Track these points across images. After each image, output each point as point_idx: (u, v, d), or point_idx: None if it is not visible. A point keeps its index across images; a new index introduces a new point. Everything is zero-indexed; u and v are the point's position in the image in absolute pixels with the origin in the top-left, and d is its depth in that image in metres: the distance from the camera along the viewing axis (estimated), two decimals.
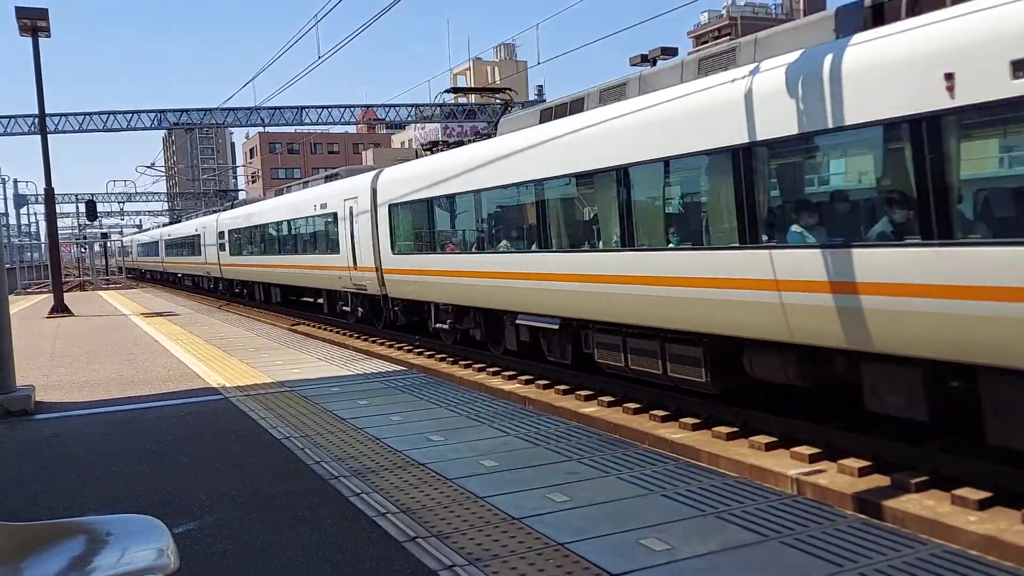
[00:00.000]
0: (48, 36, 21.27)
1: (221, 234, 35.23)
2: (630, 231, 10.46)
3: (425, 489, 5.44)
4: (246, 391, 9.50)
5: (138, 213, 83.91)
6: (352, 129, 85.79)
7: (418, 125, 67.39)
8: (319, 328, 23.44)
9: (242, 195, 75.18)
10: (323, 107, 38.87)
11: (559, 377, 13.13)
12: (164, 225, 63.02)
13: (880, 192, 7.73)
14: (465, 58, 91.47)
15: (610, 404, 11.57)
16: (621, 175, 10.47)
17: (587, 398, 12.06)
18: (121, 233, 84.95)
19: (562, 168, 11.80)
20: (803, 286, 7.88)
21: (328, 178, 24.06)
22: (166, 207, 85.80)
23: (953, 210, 6.68)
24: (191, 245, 42.68)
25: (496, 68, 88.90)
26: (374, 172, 19.20)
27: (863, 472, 7.90)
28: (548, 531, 4.54)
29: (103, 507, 5.23)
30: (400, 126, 76.47)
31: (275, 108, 38.04)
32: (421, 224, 16.87)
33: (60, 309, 22.61)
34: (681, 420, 10.26)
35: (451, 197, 15.42)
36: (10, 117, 34.74)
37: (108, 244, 69.57)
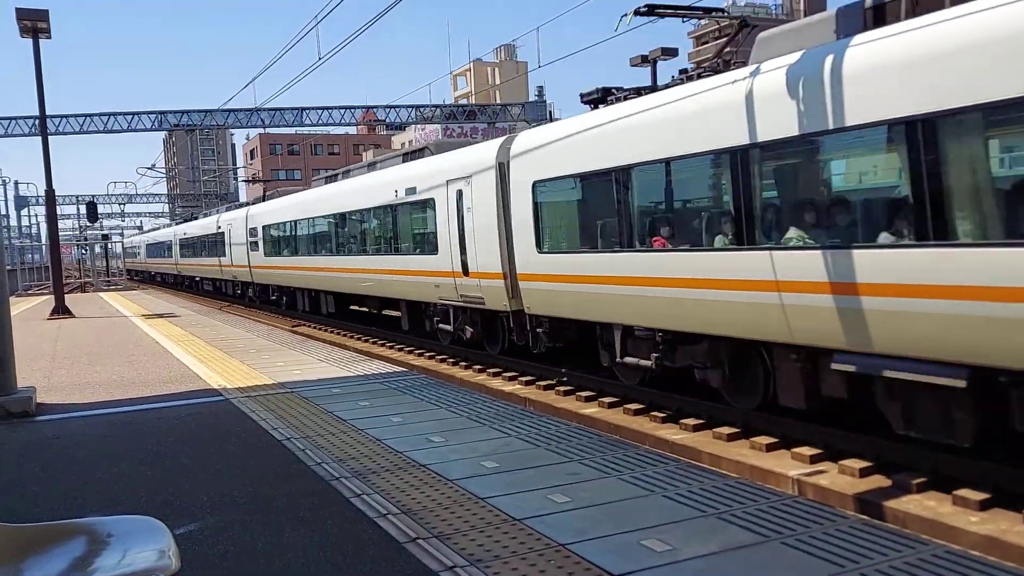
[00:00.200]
0: (48, 37, 21.28)
1: (253, 231, 29.37)
2: None
3: (426, 490, 5.44)
4: (247, 392, 9.50)
5: (139, 214, 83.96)
6: (353, 130, 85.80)
7: (418, 126, 67.41)
8: (320, 330, 23.44)
9: (242, 196, 75.08)
10: (324, 108, 38.93)
11: (560, 379, 13.13)
12: (178, 222, 55.20)
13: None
14: (466, 59, 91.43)
15: (611, 405, 11.57)
16: None
17: (588, 399, 12.06)
18: (122, 234, 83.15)
19: None
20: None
21: (408, 156, 18.59)
22: (167, 208, 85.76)
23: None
24: (212, 244, 36.59)
25: (496, 69, 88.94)
26: (498, 142, 13.74)
27: (864, 473, 7.89)
28: (549, 532, 4.54)
29: (104, 508, 5.23)
30: (401, 127, 76.48)
31: (276, 109, 38.11)
32: (598, 208, 11.41)
33: (61, 311, 22.62)
34: (682, 421, 10.26)
35: (685, 161, 9.73)
36: (11, 118, 34.80)
37: (109, 245, 69.55)
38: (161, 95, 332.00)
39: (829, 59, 7.70)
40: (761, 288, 8.51)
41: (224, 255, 33.81)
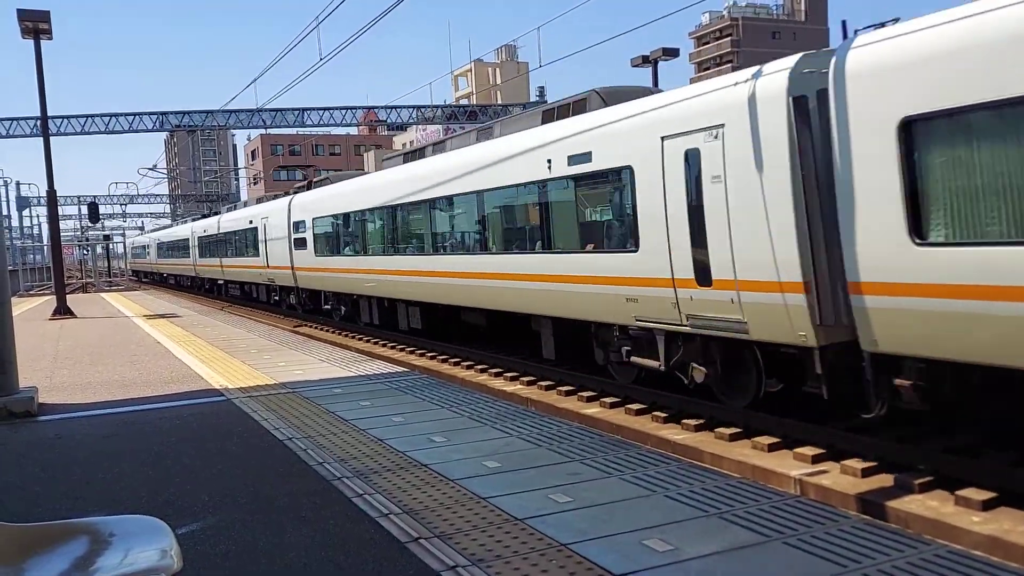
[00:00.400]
0: (50, 38, 21.33)
1: (299, 225, 23.95)
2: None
3: (428, 490, 5.43)
4: (248, 392, 9.51)
5: (140, 215, 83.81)
6: (354, 130, 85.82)
7: (419, 127, 67.42)
8: (321, 330, 23.44)
9: (243, 197, 74.99)
10: (325, 109, 38.92)
11: (562, 378, 13.12)
12: (195, 218, 48.20)
13: None
14: (467, 59, 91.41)
15: (612, 405, 11.56)
16: None
17: (589, 399, 12.05)
18: (124, 234, 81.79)
19: None
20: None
21: (552, 115, 12.90)
22: (168, 209, 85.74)
23: None
24: (242, 243, 31.22)
25: (497, 70, 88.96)
26: (783, 63, 8.46)
27: (866, 473, 7.88)
28: (551, 532, 4.54)
29: (106, 508, 5.23)
30: (402, 127, 76.48)
31: (277, 110, 38.10)
32: None
33: (63, 311, 22.65)
34: (684, 421, 10.25)
35: None
36: (12, 119, 34.82)
37: (111, 246, 69.41)
38: (162, 96, 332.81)
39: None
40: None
41: (258, 254, 28.17)
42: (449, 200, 15.63)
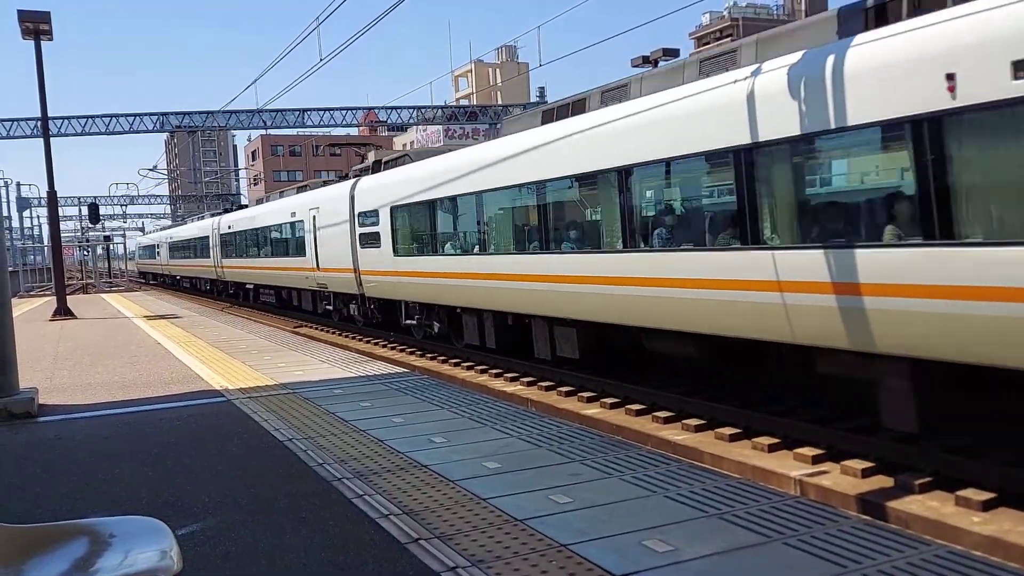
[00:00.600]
0: (50, 39, 21.34)
1: (365, 216, 18.75)
2: None
3: (428, 491, 5.43)
4: (248, 393, 9.51)
5: (140, 216, 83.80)
6: (354, 131, 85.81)
7: (420, 127, 67.42)
8: (321, 331, 23.44)
9: (243, 198, 74.91)
10: (325, 109, 38.97)
11: (561, 379, 13.12)
12: (216, 213, 42.30)
13: None
14: (467, 60, 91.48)
15: (613, 406, 11.57)
16: None
17: (590, 400, 12.05)
18: (124, 235, 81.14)
19: None
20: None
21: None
22: (168, 210, 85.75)
23: None
24: (281, 240, 26.28)
25: (498, 70, 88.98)
26: None
27: (866, 473, 7.88)
28: (551, 532, 4.54)
29: (106, 509, 5.23)
30: (402, 128, 76.52)
31: (277, 110, 38.16)
32: None
33: (63, 312, 22.66)
34: (684, 422, 10.24)
35: None
36: (13, 120, 34.87)
37: (111, 247, 69.24)
38: (163, 97, 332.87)
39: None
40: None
41: (303, 254, 23.30)
42: (665, 167, 10.36)
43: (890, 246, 7.37)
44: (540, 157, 12.38)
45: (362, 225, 19.00)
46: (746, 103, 8.58)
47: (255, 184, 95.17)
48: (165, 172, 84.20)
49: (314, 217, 22.34)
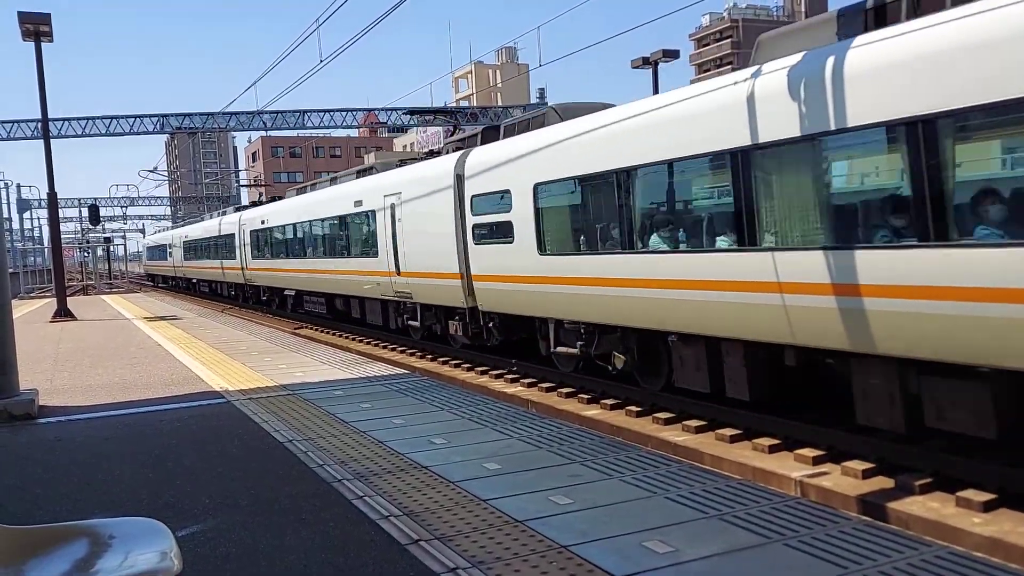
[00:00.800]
0: (51, 41, 21.35)
1: (484, 201, 14.02)
2: None
3: (428, 492, 5.43)
4: (249, 394, 9.51)
5: (140, 217, 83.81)
6: (354, 132, 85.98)
7: (420, 128, 67.46)
8: (322, 332, 23.44)
9: (244, 199, 74.79)
10: (325, 111, 38.99)
11: (562, 380, 13.12)
12: (243, 206, 36.48)
13: None
14: (467, 61, 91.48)
15: (613, 407, 11.56)
16: None
17: (590, 401, 12.05)
18: (124, 237, 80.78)
19: None
20: None
21: None
22: (169, 211, 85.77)
23: None
24: (339, 236, 21.41)
25: (498, 71, 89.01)
26: None
27: (867, 474, 7.88)
28: (551, 534, 4.54)
29: (106, 510, 5.23)
30: (402, 129, 76.56)
31: (277, 112, 38.20)
32: None
33: (63, 313, 22.66)
34: (684, 423, 10.24)
35: None
36: (13, 122, 34.89)
37: (112, 248, 69.09)
38: (163, 98, 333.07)
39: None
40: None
41: (373, 254, 18.33)
42: None
43: None
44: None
45: (478, 213, 13.90)
46: None
47: (255, 186, 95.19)
48: (165, 174, 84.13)
49: (392, 206, 17.16)
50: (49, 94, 22.03)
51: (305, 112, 38.79)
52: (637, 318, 10.59)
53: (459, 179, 14.44)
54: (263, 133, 76.12)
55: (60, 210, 25.09)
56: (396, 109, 40.05)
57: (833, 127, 7.61)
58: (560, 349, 12.65)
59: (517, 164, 12.91)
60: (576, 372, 12.80)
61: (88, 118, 36.35)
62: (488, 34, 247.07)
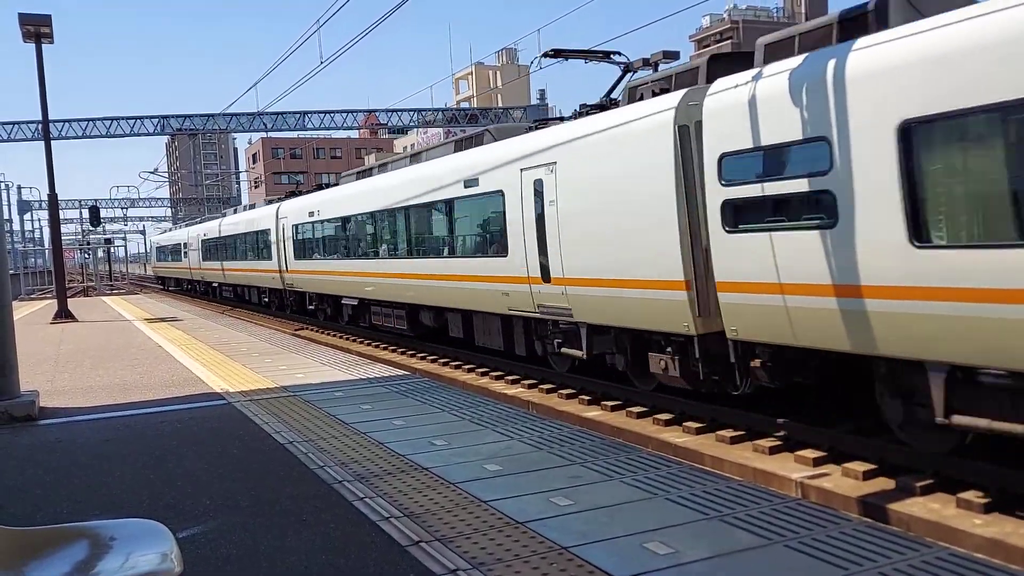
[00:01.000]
0: (51, 42, 21.37)
1: (740, 163, 8.84)
2: None
3: (429, 493, 5.43)
4: (249, 396, 9.51)
5: (141, 219, 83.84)
6: (354, 134, 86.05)
7: (420, 130, 67.49)
8: (322, 333, 23.44)
9: (244, 201, 74.79)
10: (326, 112, 39.01)
11: (562, 381, 13.12)
12: (279, 198, 30.03)
13: None
14: (467, 62, 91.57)
15: (613, 408, 11.56)
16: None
17: (590, 402, 12.05)
18: (125, 238, 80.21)
19: None
20: None
21: None
22: (169, 212, 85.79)
23: None
24: (434, 227, 16.50)
25: (498, 73, 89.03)
26: None
27: (868, 475, 7.88)
28: (552, 535, 4.54)
29: (107, 512, 5.23)
30: (402, 131, 76.59)
31: (278, 113, 38.22)
32: None
33: (64, 315, 22.67)
34: (685, 424, 10.24)
35: None
36: (14, 123, 34.91)
37: (112, 249, 69.10)
38: (163, 99, 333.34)
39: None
40: None
41: (500, 251, 13.44)
42: None
43: None
44: None
45: (735, 181, 8.91)
46: None
47: (256, 187, 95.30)
48: (166, 175, 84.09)
49: (537, 184, 12.10)
50: (49, 95, 22.07)
51: (306, 113, 38.81)
52: None
53: (684, 132, 9.57)
54: (264, 134, 76.17)
55: (61, 211, 25.10)
56: (397, 110, 40.08)
57: None
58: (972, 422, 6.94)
59: (813, 98, 7.91)
60: (570, 373, 12.73)
61: (89, 119, 36.38)
62: (488, 35, 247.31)
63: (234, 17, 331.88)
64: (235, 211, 37.20)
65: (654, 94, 10.49)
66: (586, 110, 12.25)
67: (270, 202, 30.78)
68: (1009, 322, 6.29)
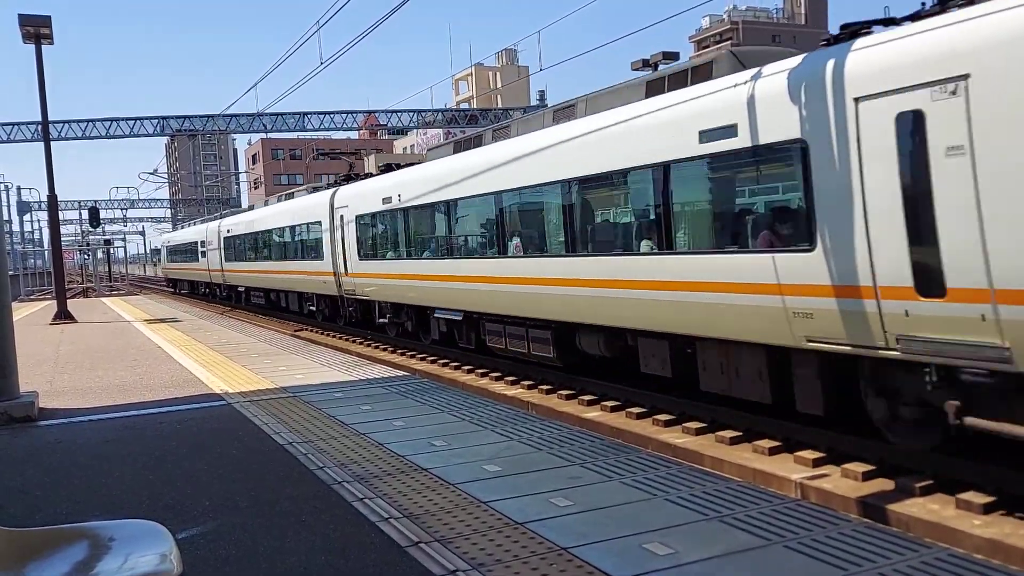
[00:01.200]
0: (51, 43, 21.37)
1: None
2: None
3: (428, 494, 5.43)
4: (249, 397, 9.50)
5: (140, 219, 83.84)
6: (354, 135, 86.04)
7: (420, 131, 67.51)
8: (322, 334, 23.44)
9: (244, 202, 74.72)
10: (325, 113, 39.02)
11: (562, 382, 13.12)
12: (334, 183, 23.74)
13: None
14: (467, 63, 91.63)
15: (613, 409, 11.56)
16: None
17: (590, 403, 12.05)
18: (124, 239, 79.88)
19: None
20: None
21: None
22: (168, 213, 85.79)
23: None
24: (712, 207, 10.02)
25: (498, 74, 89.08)
26: None
27: (867, 476, 7.88)
28: (551, 536, 4.53)
29: (106, 513, 5.22)
30: (402, 132, 76.61)
31: (277, 114, 38.24)
32: None
33: (63, 316, 22.65)
34: (684, 425, 10.25)
35: None
36: (13, 124, 34.92)
37: (112, 250, 68.97)
38: (163, 100, 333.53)
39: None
40: None
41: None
42: None
43: None
44: None
45: None
46: None
47: (255, 188, 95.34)
48: (165, 176, 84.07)
49: (909, 121, 6.99)
50: (49, 97, 22.07)
51: (305, 114, 38.83)
52: None
53: None
54: (263, 135, 76.10)
55: (60, 212, 25.10)
56: (397, 111, 40.09)
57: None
58: None
59: None
60: (570, 374, 12.70)
61: (88, 120, 36.41)
62: (488, 36, 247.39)
63: (234, 18, 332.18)
64: (266, 203, 32.41)
65: None
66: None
67: (315, 189, 25.49)
68: None
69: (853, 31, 7.94)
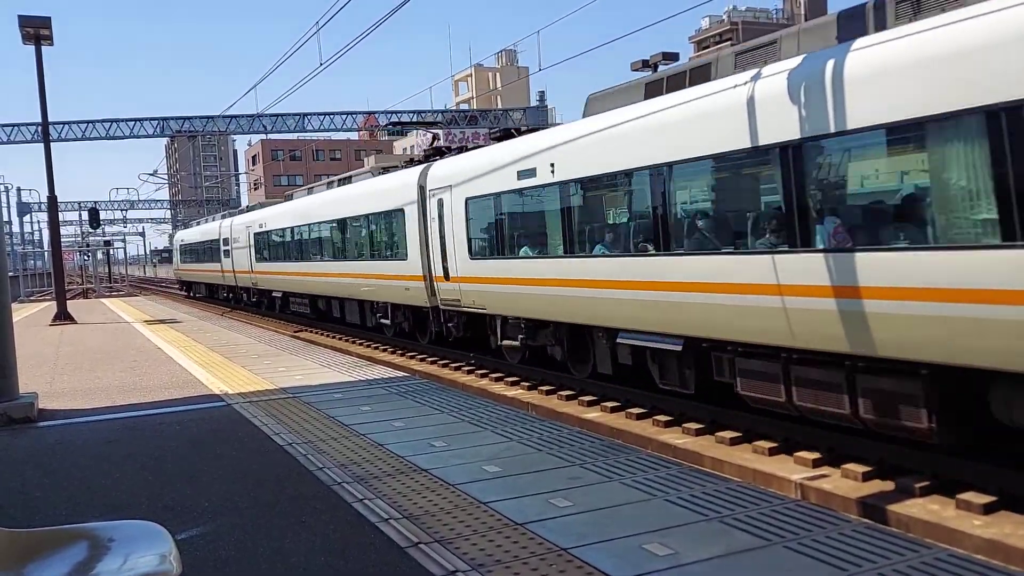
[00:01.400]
0: (51, 44, 21.38)
1: None
2: None
3: (428, 495, 5.43)
4: (249, 397, 9.50)
5: (140, 220, 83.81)
6: (354, 135, 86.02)
7: (420, 131, 67.51)
8: (321, 335, 23.43)
9: (244, 202, 74.66)
10: (325, 114, 38.98)
11: (562, 383, 13.11)
12: (422, 159, 18.30)
13: None
14: (467, 64, 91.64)
15: (613, 410, 11.56)
16: None
17: (590, 403, 12.05)
18: (124, 240, 79.58)
19: None
20: None
21: None
22: (168, 214, 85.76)
23: None
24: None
25: (497, 74, 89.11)
26: None
27: (867, 477, 7.88)
28: (551, 536, 4.53)
29: (106, 513, 5.22)
30: (402, 132, 76.57)
31: (277, 115, 38.18)
32: None
33: (63, 317, 22.66)
34: (684, 425, 10.24)
35: None
36: (13, 125, 34.89)
37: (112, 251, 68.95)
38: (163, 101, 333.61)
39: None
40: None
41: None
42: None
43: None
44: None
45: None
46: None
47: (255, 189, 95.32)
48: (165, 177, 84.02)
49: None
50: (49, 98, 22.08)
51: (305, 115, 38.79)
52: None
53: None
54: (263, 136, 76.07)
55: (60, 213, 25.10)
56: (396, 112, 40.07)
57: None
58: None
59: None
60: (569, 375, 12.74)
61: (88, 121, 36.34)
62: (488, 37, 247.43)
63: (234, 19, 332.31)
64: (309, 191, 27.20)
65: None
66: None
67: (385, 171, 20.50)
68: None
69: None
